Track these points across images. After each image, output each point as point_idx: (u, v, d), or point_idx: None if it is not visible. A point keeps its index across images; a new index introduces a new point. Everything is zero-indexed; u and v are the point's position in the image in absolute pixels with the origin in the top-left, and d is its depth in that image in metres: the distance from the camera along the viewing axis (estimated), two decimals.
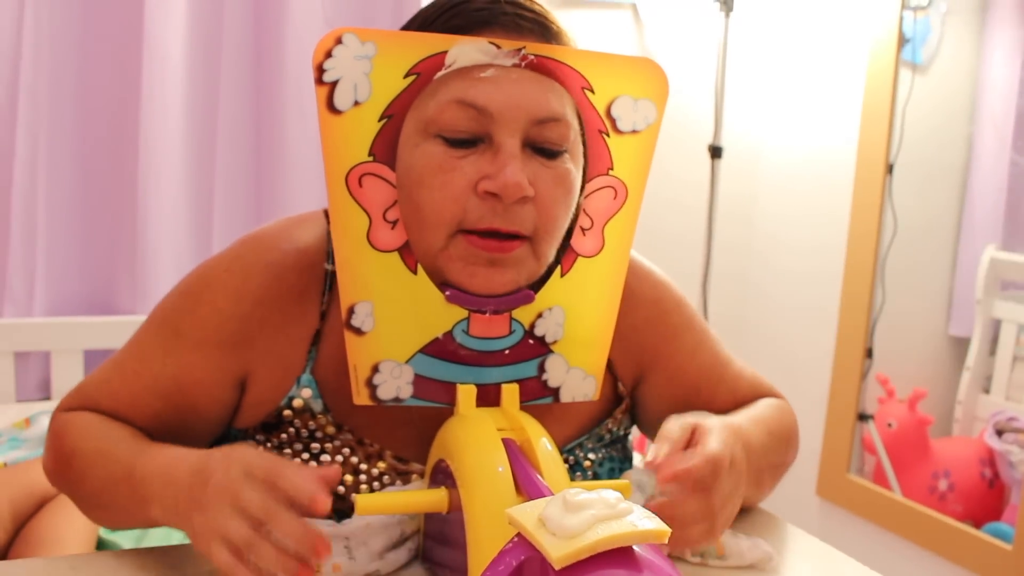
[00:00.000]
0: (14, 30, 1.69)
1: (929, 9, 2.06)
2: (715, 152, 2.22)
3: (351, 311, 0.73)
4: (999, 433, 1.97)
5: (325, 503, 0.63)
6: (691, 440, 0.73)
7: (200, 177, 1.88)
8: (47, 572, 0.78)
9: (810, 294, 2.29)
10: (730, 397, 0.96)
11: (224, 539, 0.64)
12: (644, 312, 0.91)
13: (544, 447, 0.68)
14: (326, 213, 0.87)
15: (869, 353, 2.12)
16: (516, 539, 0.52)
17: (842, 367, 2.18)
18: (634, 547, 0.50)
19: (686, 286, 0.98)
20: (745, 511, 0.93)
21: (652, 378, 0.93)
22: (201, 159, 1.88)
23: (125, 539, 1.34)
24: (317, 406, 0.82)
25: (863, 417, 2.13)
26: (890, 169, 2.06)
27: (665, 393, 0.94)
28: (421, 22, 0.77)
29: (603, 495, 0.50)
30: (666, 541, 0.49)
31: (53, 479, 0.86)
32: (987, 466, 1.99)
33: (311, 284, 0.83)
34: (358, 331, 0.74)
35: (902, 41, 2.02)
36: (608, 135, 0.75)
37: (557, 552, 0.47)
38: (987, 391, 2.07)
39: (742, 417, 0.87)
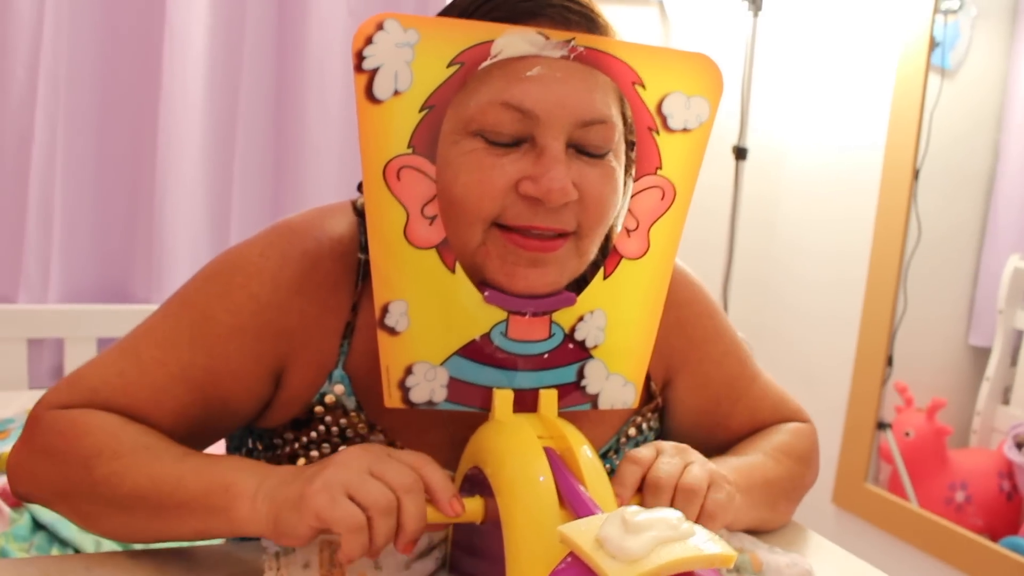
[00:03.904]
0: (35, 15, 1.68)
1: (959, 13, 2.02)
2: (740, 153, 2.19)
3: (385, 310, 0.70)
4: (1019, 445, 1.94)
5: (461, 507, 0.65)
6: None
7: (219, 165, 1.87)
8: (60, 571, 0.75)
9: (832, 300, 2.27)
10: (748, 416, 0.94)
11: (358, 494, 0.62)
12: (676, 313, 0.89)
13: (586, 456, 0.65)
14: (353, 204, 0.85)
15: (889, 361, 2.09)
16: (570, 559, 0.49)
17: (862, 375, 2.15)
18: (696, 571, 0.47)
19: None
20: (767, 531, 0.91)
21: (678, 382, 0.91)
22: (220, 147, 1.86)
23: None
24: (350, 403, 0.79)
25: (881, 426, 2.10)
26: (916, 175, 2.03)
27: (688, 400, 0.92)
28: (459, 13, 0.73)
29: (664, 515, 0.47)
30: (732, 566, 0.46)
31: (43, 482, 0.75)
32: (1005, 479, 1.96)
33: (345, 274, 0.80)
34: (392, 331, 0.70)
35: (933, 45, 1.99)
36: (658, 133, 0.72)
37: None
38: (1007, 402, 2.04)
39: (738, 458, 0.86)
